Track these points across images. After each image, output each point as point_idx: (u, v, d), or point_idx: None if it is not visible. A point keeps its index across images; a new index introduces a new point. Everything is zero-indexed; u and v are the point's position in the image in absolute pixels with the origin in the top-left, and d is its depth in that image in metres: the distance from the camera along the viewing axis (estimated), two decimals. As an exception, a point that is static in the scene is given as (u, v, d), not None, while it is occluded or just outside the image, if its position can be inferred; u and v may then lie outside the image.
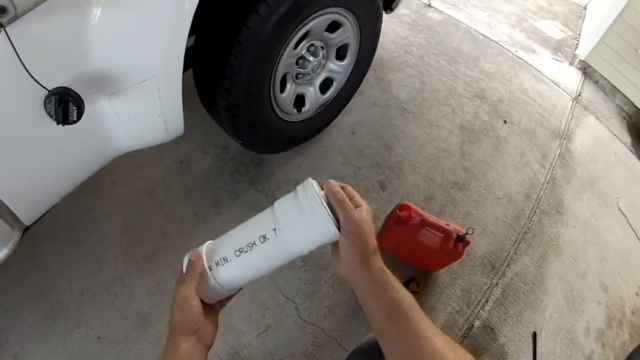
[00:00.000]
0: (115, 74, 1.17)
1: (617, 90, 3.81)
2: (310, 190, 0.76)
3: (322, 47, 1.97)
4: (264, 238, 0.77)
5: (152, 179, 2.15)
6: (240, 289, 0.89)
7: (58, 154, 1.24)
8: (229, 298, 0.93)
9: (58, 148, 1.22)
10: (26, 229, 1.30)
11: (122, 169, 2.11)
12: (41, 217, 1.34)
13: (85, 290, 1.79)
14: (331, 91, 2.20)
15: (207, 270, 0.82)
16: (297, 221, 0.76)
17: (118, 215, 2.01)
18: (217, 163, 2.28)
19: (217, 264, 0.82)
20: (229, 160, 2.29)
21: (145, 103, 1.31)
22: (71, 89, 1.06)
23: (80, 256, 1.87)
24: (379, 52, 2.35)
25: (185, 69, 1.69)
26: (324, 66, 2.08)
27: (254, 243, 0.77)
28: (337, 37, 1.96)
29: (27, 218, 1.27)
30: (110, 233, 1.95)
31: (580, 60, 3.95)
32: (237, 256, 0.79)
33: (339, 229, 0.75)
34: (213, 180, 2.21)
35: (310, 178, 0.80)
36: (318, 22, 1.76)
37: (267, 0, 1.46)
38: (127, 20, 1.11)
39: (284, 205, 0.79)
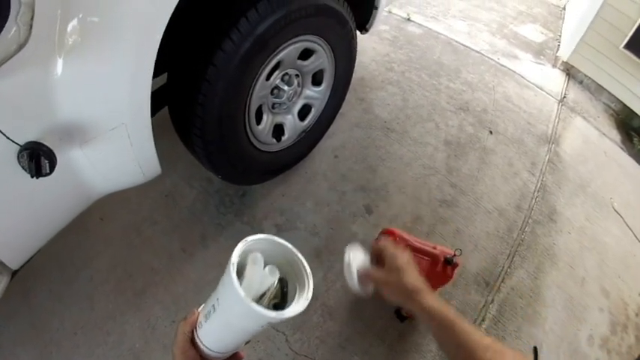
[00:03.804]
0: (83, 124, 1.19)
1: (603, 88, 3.81)
2: (230, 262, 0.65)
3: (297, 75, 1.95)
4: (214, 306, 0.69)
5: (139, 214, 2.14)
6: (237, 353, 0.80)
7: (38, 203, 1.26)
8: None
9: (37, 197, 1.23)
10: (15, 273, 1.32)
11: (110, 205, 2.09)
12: (29, 260, 1.36)
13: (78, 329, 1.77)
14: (310, 118, 2.18)
15: (196, 330, 0.76)
16: (224, 300, 0.68)
17: (106, 252, 2.00)
18: (202, 195, 2.26)
19: (198, 326, 0.75)
20: (214, 193, 2.28)
21: (117, 150, 1.32)
22: (42, 143, 1.07)
23: (71, 294, 1.86)
24: (360, 71, 2.35)
25: (161, 106, 1.71)
26: (300, 93, 2.05)
27: (213, 307, 0.71)
28: (311, 64, 1.94)
29: (13, 263, 1.28)
30: (100, 271, 1.95)
31: (563, 61, 3.96)
32: (206, 320, 0.73)
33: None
34: (199, 213, 2.19)
35: (239, 245, 0.68)
36: (288, 51, 1.74)
37: (230, 36, 1.44)
38: (89, 72, 1.11)
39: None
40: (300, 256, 0.71)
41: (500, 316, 2.08)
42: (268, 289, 0.68)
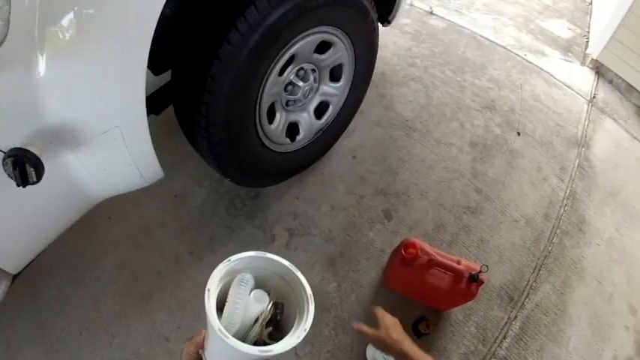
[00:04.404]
0: (73, 128, 1.15)
1: (633, 88, 3.61)
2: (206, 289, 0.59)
3: (313, 70, 1.84)
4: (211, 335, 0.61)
5: (147, 214, 2.14)
6: None
7: (31, 210, 1.24)
8: None
9: (30, 205, 1.21)
10: (16, 276, 1.34)
11: (118, 204, 2.04)
12: (30, 263, 1.37)
13: (84, 329, 1.80)
14: (328, 116, 2.08)
15: (202, 351, 0.67)
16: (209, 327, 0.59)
17: (114, 253, 2.01)
18: (212, 196, 2.22)
19: (205, 346, 0.66)
20: (224, 193, 2.23)
21: (111, 154, 1.30)
22: (27, 150, 1.03)
23: (78, 294, 1.89)
24: (381, 66, 2.25)
25: (167, 104, 1.63)
26: (317, 90, 1.95)
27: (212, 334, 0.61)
28: (329, 58, 1.84)
29: (12, 268, 1.29)
30: (107, 271, 1.96)
31: (592, 59, 3.77)
32: (209, 342, 0.64)
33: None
34: (208, 215, 2.16)
35: (220, 266, 0.62)
36: (303, 44, 1.63)
37: (237, 27, 1.33)
38: (75, 72, 1.07)
39: None
40: (299, 275, 0.62)
41: (522, 334, 1.98)
42: (261, 315, 0.61)
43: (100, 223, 2.08)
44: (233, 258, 0.62)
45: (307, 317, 0.59)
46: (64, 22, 0.98)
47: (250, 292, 0.62)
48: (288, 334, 0.58)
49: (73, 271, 1.94)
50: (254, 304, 0.61)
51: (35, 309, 1.83)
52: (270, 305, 0.62)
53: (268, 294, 0.64)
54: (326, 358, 1.79)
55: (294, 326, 0.59)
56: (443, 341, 1.90)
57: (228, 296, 0.61)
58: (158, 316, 1.85)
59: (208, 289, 0.58)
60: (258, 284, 0.63)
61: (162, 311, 1.86)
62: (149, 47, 1.11)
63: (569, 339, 2.02)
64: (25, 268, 1.35)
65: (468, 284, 1.65)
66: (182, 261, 2.00)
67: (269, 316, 0.61)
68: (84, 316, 1.83)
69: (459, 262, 1.68)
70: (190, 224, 2.12)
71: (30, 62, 0.98)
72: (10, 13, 0.86)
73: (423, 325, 1.86)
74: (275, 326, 0.62)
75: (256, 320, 0.61)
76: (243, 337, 0.59)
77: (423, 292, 1.79)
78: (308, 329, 0.57)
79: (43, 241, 1.36)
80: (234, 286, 0.61)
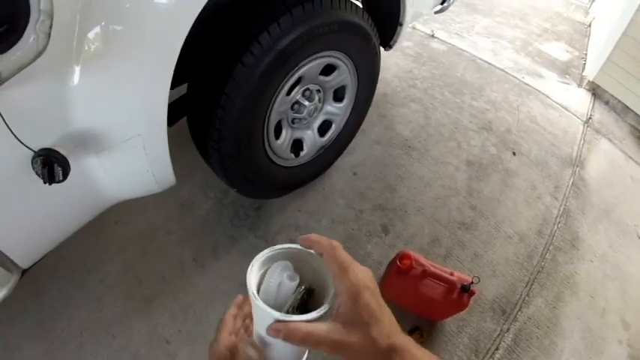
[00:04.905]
0: (98, 134, 1.20)
1: (629, 109, 3.68)
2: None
3: (318, 90, 1.93)
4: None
5: (154, 221, 2.16)
6: None
7: (51, 207, 1.28)
8: None
9: (50, 202, 1.25)
10: (25, 271, 1.34)
11: (125, 210, 2.10)
12: (40, 260, 1.38)
13: (85, 329, 1.80)
14: (330, 133, 2.16)
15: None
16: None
17: (119, 256, 2.03)
18: (217, 207, 2.26)
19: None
20: (229, 204, 2.27)
21: (131, 160, 1.33)
22: (56, 150, 1.08)
23: (81, 295, 1.89)
24: (382, 87, 2.33)
25: (180, 116, 1.71)
26: (321, 109, 2.03)
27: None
28: (333, 80, 1.92)
29: (24, 263, 1.30)
30: (111, 274, 1.97)
31: (588, 81, 3.86)
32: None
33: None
34: (212, 224, 2.19)
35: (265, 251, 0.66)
36: (310, 67, 1.72)
37: (251, 50, 1.42)
38: (106, 83, 1.12)
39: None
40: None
41: (515, 346, 2.01)
42: (293, 294, 0.63)
43: (107, 227, 2.10)
44: (276, 247, 0.66)
45: (329, 298, 0.61)
46: (99, 35, 1.04)
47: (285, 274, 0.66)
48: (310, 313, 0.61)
49: (77, 272, 1.95)
50: (287, 282, 0.63)
51: (37, 308, 1.83)
52: (302, 288, 0.64)
53: (301, 280, 0.66)
54: (323, 355, 1.81)
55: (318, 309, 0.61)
56: (436, 351, 1.90)
57: (265, 276, 0.64)
58: (160, 319, 1.86)
59: (252, 265, 0.62)
60: (297, 271, 0.66)
61: (164, 315, 1.87)
62: (175, 63, 1.18)
63: (562, 352, 2.03)
64: (33, 265, 1.36)
65: (460, 295, 1.69)
66: (186, 268, 2.02)
67: (299, 297, 0.63)
68: (86, 317, 1.83)
69: (451, 274, 1.73)
70: (195, 232, 2.14)
71: (65, 72, 1.04)
72: (51, 26, 0.89)
73: (417, 334, 1.90)
74: (305, 309, 0.63)
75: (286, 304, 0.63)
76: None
77: (417, 301, 1.82)
78: (327, 308, 0.59)
79: (55, 239, 1.38)
80: (271, 269, 0.65)
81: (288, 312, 0.60)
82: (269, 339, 0.61)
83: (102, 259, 2.00)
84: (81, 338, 1.78)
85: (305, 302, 0.63)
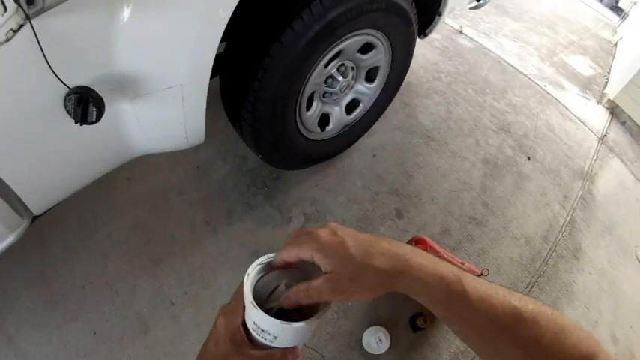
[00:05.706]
0: (139, 78, 1.16)
1: (644, 134, 3.72)
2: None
3: (353, 68, 1.94)
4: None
5: (168, 181, 2.15)
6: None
7: (74, 151, 1.23)
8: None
9: (74, 145, 1.21)
10: (35, 218, 1.30)
11: (138, 167, 2.10)
12: (51, 209, 1.33)
13: (87, 283, 1.79)
14: (357, 113, 2.17)
15: None
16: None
17: (129, 213, 2.01)
18: (235, 172, 2.27)
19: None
20: (247, 172, 2.28)
21: (167, 111, 1.30)
22: (93, 89, 1.04)
23: (87, 248, 1.88)
24: (408, 75, 2.32)
25: (212, 75, 1.68)
26: (352, 87, 2.05)
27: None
28: (369, 59, 1.94)
29: (36, 209, 1.26)
30: (119, 230, 1.95)
31: (608, 99, 3.86)
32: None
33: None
34: (228, 189, 2.19)
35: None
36: (351, 42, 1.73)
37: (302, 16, 1.43)
38: (156, 24, 1.09)
39: None
40: None
41: None
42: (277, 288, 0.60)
43: (119, 183, 2.08)
44: (269, 255, 0.62)
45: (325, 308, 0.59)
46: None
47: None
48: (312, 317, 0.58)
49: (84, 225, 1.92)
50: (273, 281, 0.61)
51: (40, 258, 1.81)
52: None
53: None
54: (326, 339, 1.83)
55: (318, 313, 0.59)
56: (436, 338, 1.94)
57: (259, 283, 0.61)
58: (166, 279, 1.84)
59: (248, 274, 0.59)
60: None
61: (171, 275, 1.86)
62: (231, 14, 1.16)
63: (553, 355, 2.09)
64: (44, 213, 1.31)
65: (469, 284, 1.73)
66: (197, 230, 2.01)
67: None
68: (89, 271, 1.81)
69: (462, 264, 1.77)
70: (210, 196, 2.14)
71: (117, 7, 0.99)
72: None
73: (421, 319, 1.91)
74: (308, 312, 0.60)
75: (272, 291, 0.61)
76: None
77: (425, 286, 1.84)
78: (321, 317, 0.57)
79: (72, 187, 1.34)
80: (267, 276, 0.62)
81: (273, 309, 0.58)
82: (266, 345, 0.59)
83: (112, 215, 1.99)
84: (83, 292, 1.77)
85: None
